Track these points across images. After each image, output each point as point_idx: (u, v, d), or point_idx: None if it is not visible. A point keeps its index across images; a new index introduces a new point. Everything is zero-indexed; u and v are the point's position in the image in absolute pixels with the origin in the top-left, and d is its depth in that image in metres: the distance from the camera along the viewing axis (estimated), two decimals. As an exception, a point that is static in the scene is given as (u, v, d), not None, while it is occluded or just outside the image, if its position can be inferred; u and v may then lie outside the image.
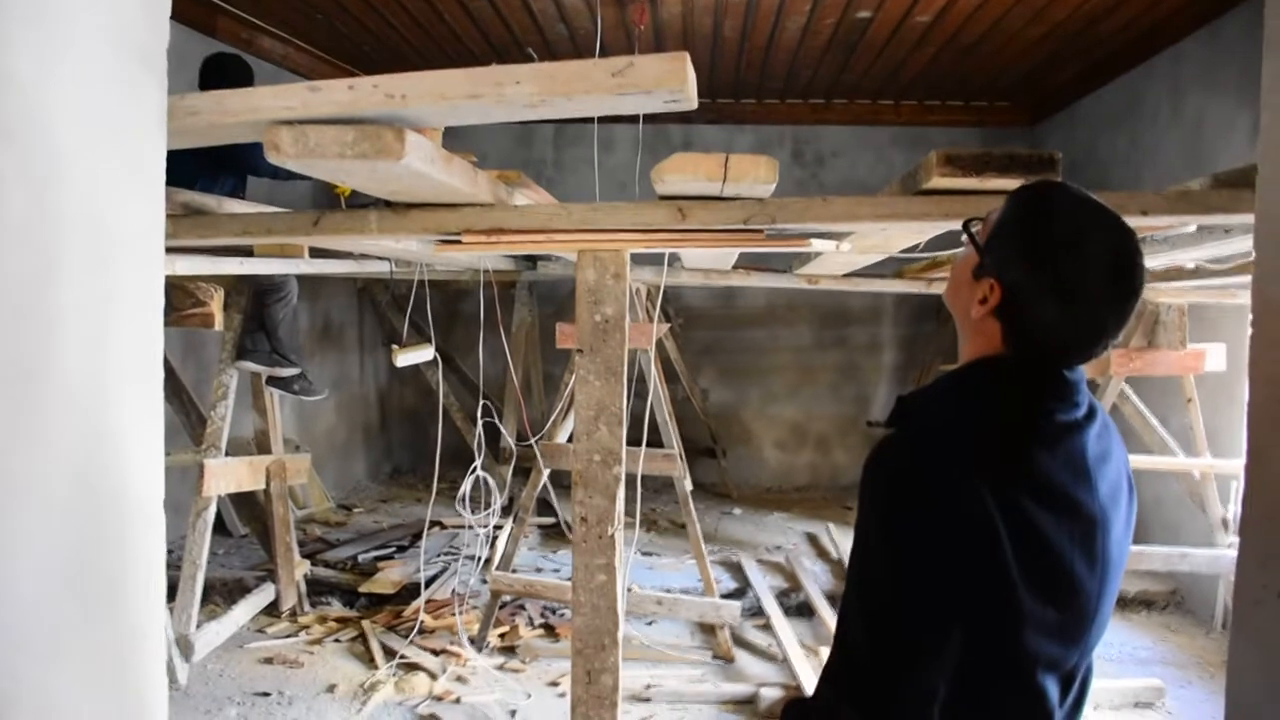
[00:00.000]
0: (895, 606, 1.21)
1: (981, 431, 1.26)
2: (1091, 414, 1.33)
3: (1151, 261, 3.76)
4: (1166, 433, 4.97)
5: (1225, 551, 4.62)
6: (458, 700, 4.12)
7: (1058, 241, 1.26)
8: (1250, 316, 1.57)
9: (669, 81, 1.43)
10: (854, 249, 3.21)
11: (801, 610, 5.27)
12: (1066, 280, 1.25)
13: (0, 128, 1.01)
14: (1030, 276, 1.27)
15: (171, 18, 1.31)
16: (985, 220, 1.40)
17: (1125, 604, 5.45)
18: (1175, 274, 4.22)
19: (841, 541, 6.30)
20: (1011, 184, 2.04)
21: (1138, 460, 4.99)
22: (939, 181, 2.07)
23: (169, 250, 2.74)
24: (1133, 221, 2.34)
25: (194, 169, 4.15)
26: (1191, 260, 3.82)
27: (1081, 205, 1.29)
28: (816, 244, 2.68)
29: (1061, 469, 1.26)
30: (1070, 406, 1.30)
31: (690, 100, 1.51)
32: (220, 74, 4.45)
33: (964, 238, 1.43)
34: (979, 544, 1.18)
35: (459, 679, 4.34)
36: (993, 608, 1.20)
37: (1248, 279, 3.76)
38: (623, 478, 2.48)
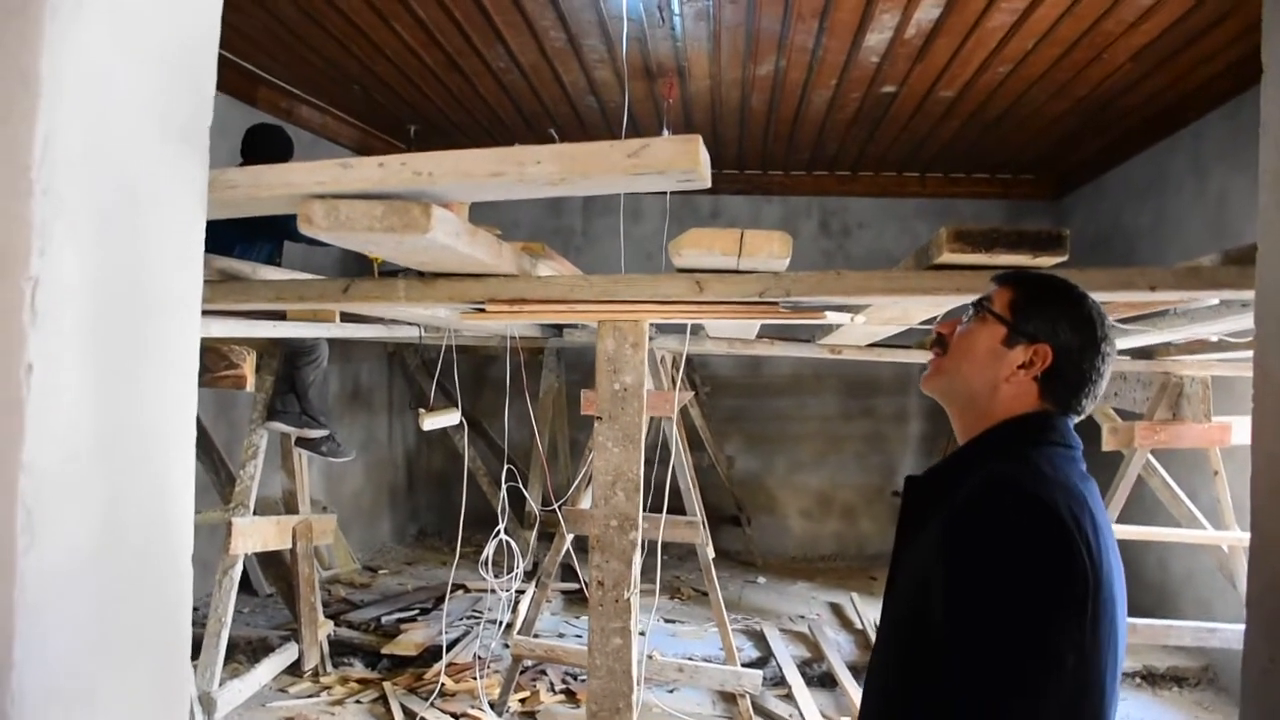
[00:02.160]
0: (1029, 685, 1.22)
1: (1061, 481, 1.34)
2: None
3: (1172, 335, 3.78)
4: (1195, 506, 4.93)
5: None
6: (476, 765, 4.12)
7: (1097, 316, 1.47)
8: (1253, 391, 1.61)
9: (682, 163, 1.50)
10: (871, 321, 3.26)
11: (824, 681, 5.23)
12: (1104, 345, 1.46)
13: (56, 199, 1.08)
14: (1080, 336, 1.45)
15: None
16: (993, 297, 1.53)
17: (1156, 680, 5.36)
18: (1198, 347, 4.23)
19: (865, 611, 6.25)
20: (1020, 260, 2.09)
21: (1167, 533, 4.96)
22: (949, 257, 2.13)
23: (206, 314, 2.84)
24: (1141, 297, 2.40)
25: (233, 235, 4.29)
26: (1213, 334, 3.84)
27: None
28: (831, 316, 2.73)
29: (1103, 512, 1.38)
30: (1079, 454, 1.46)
31: (704, 180, 1.58)
32: (262, 143, 4.61)
33: (970, 313, 1.54)
34: (1095, 594, 1.25)
35: (478, 743, 4.33)
36: (1077, 675, 1.24)
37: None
38: (639, 543, 2.52)
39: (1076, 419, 1.48)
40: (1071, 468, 1.39)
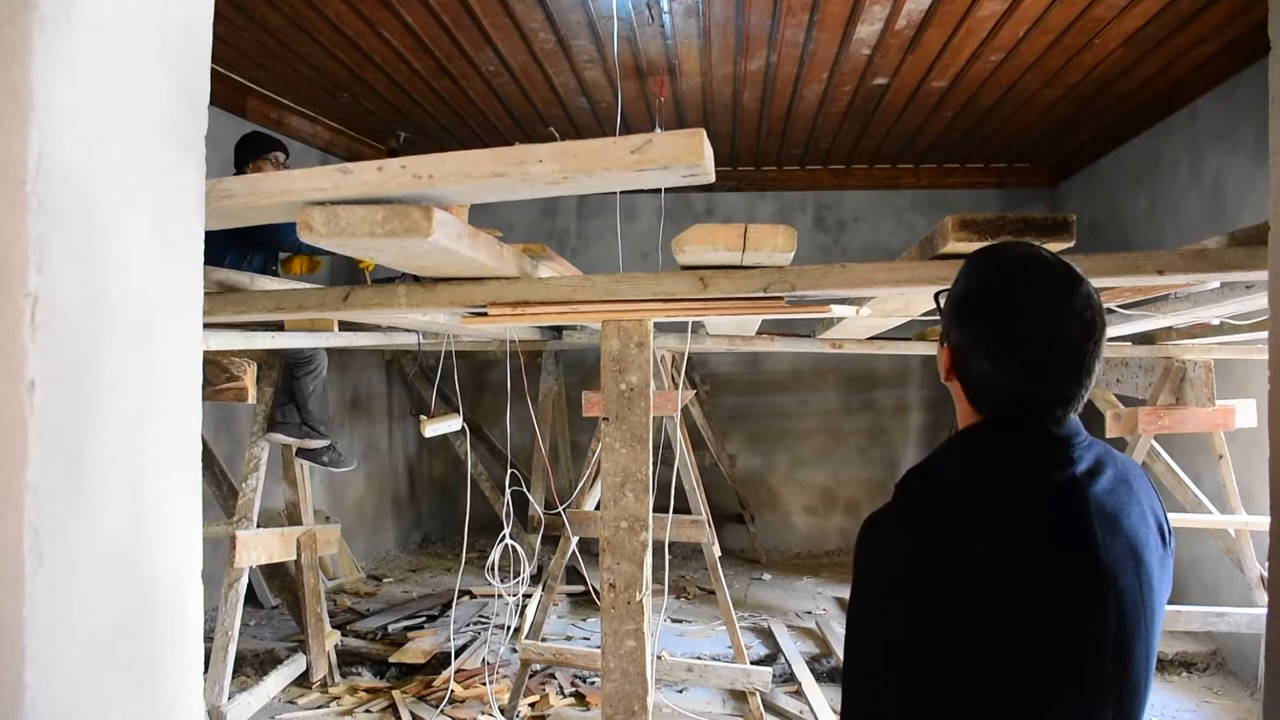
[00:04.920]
0: (879, 684, 1.24)
1: (962, 503, 1.28)
2: (1096, 469, 1.33)
3: (1174, 319, 3.76)
4: (1200, 491, 4.92)
5: (1266, 611, 4.54)
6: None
7: (982, 298, 1.33)
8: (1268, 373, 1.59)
9: (686, 157, 1.48)
10: (875, 313, 3.25)
11: (833, 676, 5.21)
12: (994, 334, 1.31)
13: (52, 212, 1.06)
14: (964, 334, 1.34)
15: (206, 100, 1.36)
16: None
17: (1164, 666, 5.35)
18: (1200, 331, 4.21)
19: (873, 606, 6.23)
20: (1026, 247, 2.07)
21: (1172, 518, 4.93)
22: (955, 246, 2.11)
23: (205, 326, 2.81)
24: (1149, 280, 2.38)
25: (225, 245, 4.26)
26: (1216, 317, 3.82)
27: (1009, 262, 1.36)
28: (836, 309, 2.71)
29: (1056, 530, 1.26)
30: (1064, 463, 1.30)
31: (708, 174, 1.56)
32: (252, 143, 4.59)
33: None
34: (960, 615, 1.20)
35: (490, 750, 4.31)
36: (978, 685, 1.20)
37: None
38: (650, 544, 2.50)
39: (1037, 422, 1.32)
40: (990, 493, 1.28)
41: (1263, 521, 4.62)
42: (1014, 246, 1.41)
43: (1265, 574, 4.66)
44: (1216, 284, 3.01)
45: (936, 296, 1.48)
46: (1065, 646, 1.23)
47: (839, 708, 1.35)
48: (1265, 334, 3.70)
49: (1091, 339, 1.29)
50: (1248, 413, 4.60)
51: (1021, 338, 1.28)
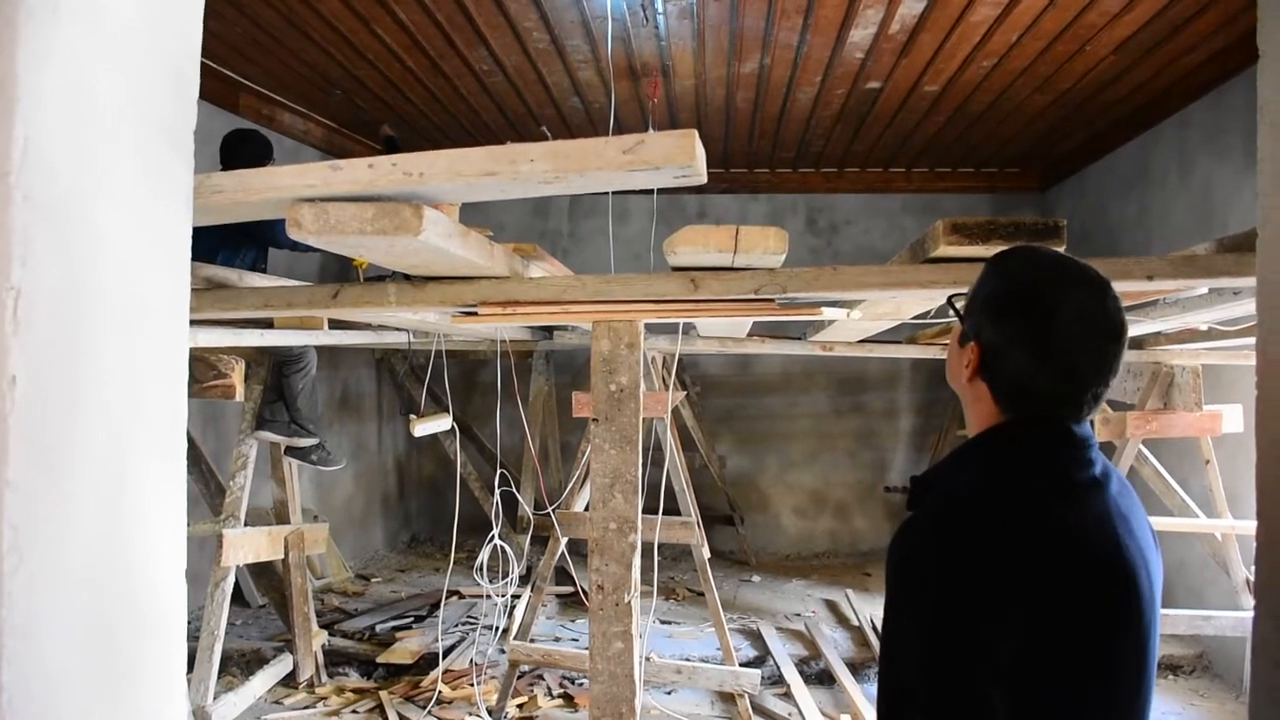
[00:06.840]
0: (922, 689, 1.22)
1: (998, 502, 1.27)
2: (1107, 471, 1.35)
3: (1163, 324, 3.77)
4: (1187, 495, 4.94)
5: (1251, 614, 4.55)
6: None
7: (1020, 297, 1.32)
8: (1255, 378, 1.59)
9: (678, 158, 1.47)
10: (866, 316, 3.25)
11: (822, 678, 5.21)
12: (1032, 332, 1.30)
13: (37, 206, 1.05)
14: (999, 332, 1.32)
15: (196, 95, 1.35)
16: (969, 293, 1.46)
17: (1151, 670, 5.36)
18: (1188, 336, 4.23)
19: (861, 608, 6.24)
20: (1017, 251, 2.07)
21: (1159, 522, 4.95)
22: (946, 250, 2.11)
23: (193, 323, 2.80)
24: (1139, 286, 2.38)
25: (217, 241, 4.24)
26: (1204, 322, 3.83)
27: (1044, 262, 1.36)
28: (827, 312, 2.71)
29: (1086, 530, 1.27)
30: (1084, 465, 1.32)
31: (700, 175, 1.55)
32: (242, 149, 4.55)
33: (950, 312, 1.49)
34: (1001, 621, 1.18)
35: (476, 751, 4.29)
36: (1021, 685, 1.19)
37: (1259, 341, 3.79)
38: (639, 545, 2.49)
39: (1061, 423, 1.32)
40: (1021, 495, 1.28)
41: (1249, 526, 4.62)
42: (1040, 249, 1.41)
43: (1251, 578, 4.69)
44: (1205, 290, 3.02)
45: (951, 299, 1.48)
46: (1098, 646, 1.24)
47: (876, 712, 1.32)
48: (1253, 339, 3.71)
49: (1121, 340, 1.32)
50: (1235, 418, 4.61)
51: (1062, 336, 1.28)
